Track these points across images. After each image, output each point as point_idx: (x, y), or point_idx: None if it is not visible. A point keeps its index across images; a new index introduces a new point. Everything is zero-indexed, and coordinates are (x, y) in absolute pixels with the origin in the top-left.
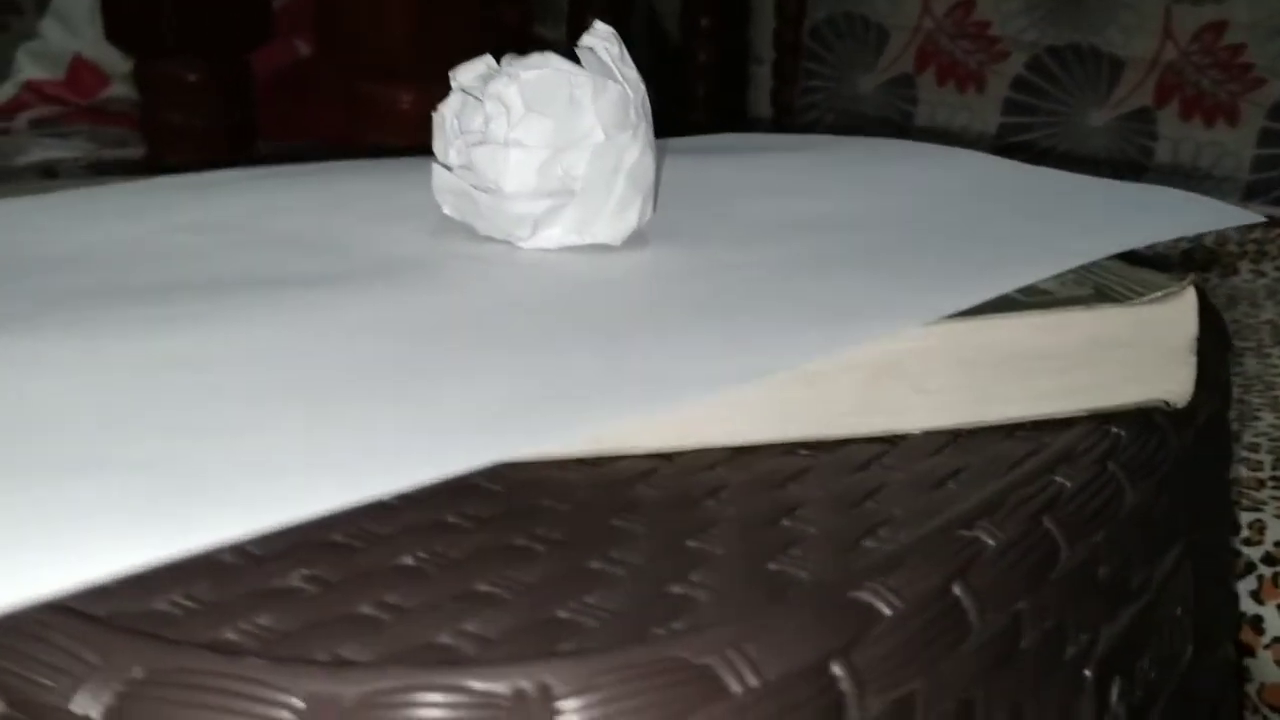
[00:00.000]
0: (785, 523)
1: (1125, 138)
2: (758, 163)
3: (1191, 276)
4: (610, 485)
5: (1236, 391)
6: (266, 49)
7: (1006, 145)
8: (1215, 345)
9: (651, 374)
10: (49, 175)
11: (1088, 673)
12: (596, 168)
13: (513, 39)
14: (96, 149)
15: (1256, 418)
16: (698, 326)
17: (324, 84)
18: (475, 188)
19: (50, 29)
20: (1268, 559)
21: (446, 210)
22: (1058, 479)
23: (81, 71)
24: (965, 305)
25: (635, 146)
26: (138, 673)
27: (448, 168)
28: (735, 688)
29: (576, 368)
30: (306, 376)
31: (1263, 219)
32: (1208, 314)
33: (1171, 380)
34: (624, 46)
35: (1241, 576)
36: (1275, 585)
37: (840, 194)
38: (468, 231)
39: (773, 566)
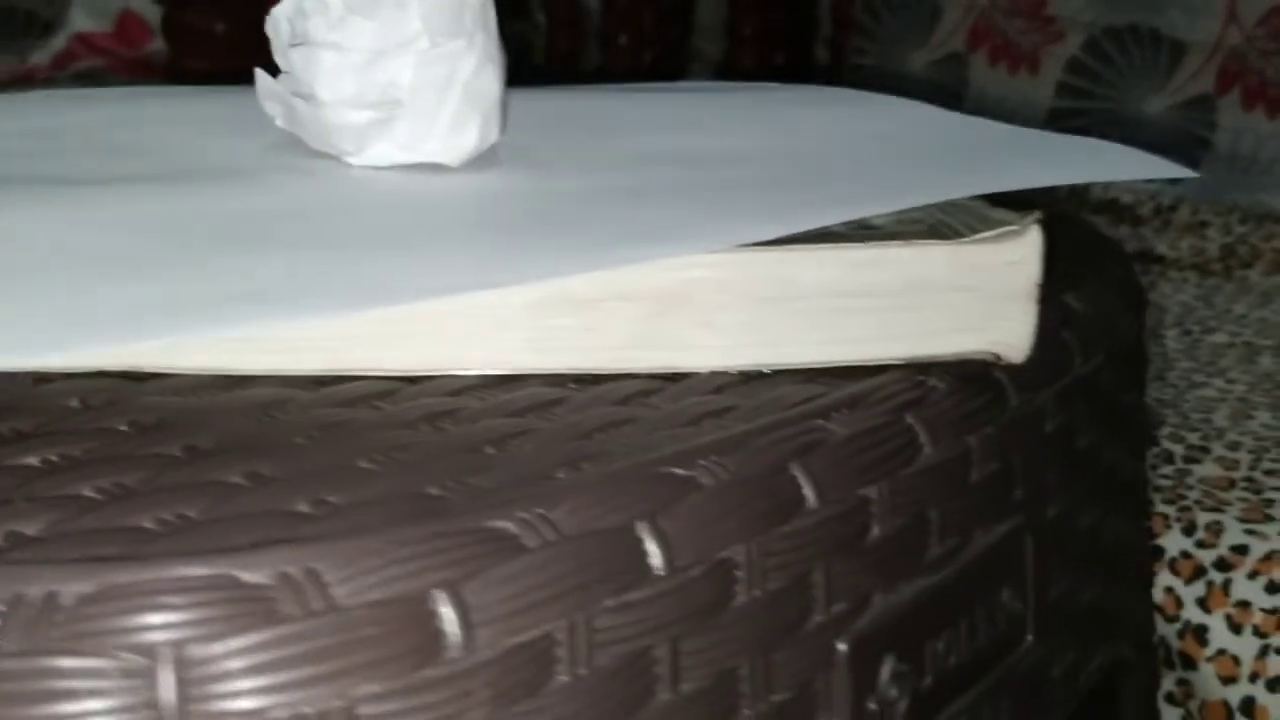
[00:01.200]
0: (488, 449)
1: (1183, 126)
2: (677, 100)
3: (1036, 214)
4: (324, 405)
5: (1240, 388)
6: None
7: (1058, 131)
8: (1118, 305)
9: (358, 279)
10: None
11: (841, 644)
12: (424, 78)
13: None
14: None
15: (1250, 415)
16: (459, 243)
17: None
18: (295, 95)
19: None
20: (1220, 564)
21: (278, 121)
22: (827, 424)
23: (129, 23)
24: (771, 236)
25: (470, 58)
26: None
27: (272, 75)
28: (293, 611)
29: (289, 270)
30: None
31: (1188, 172)
32: (1116, 271)
33: (1006, 331)
34: None
35: (1189, 581)
36: (1225, 593)
37: (737, 133)
38: (303, 147)
39: (432, 490)
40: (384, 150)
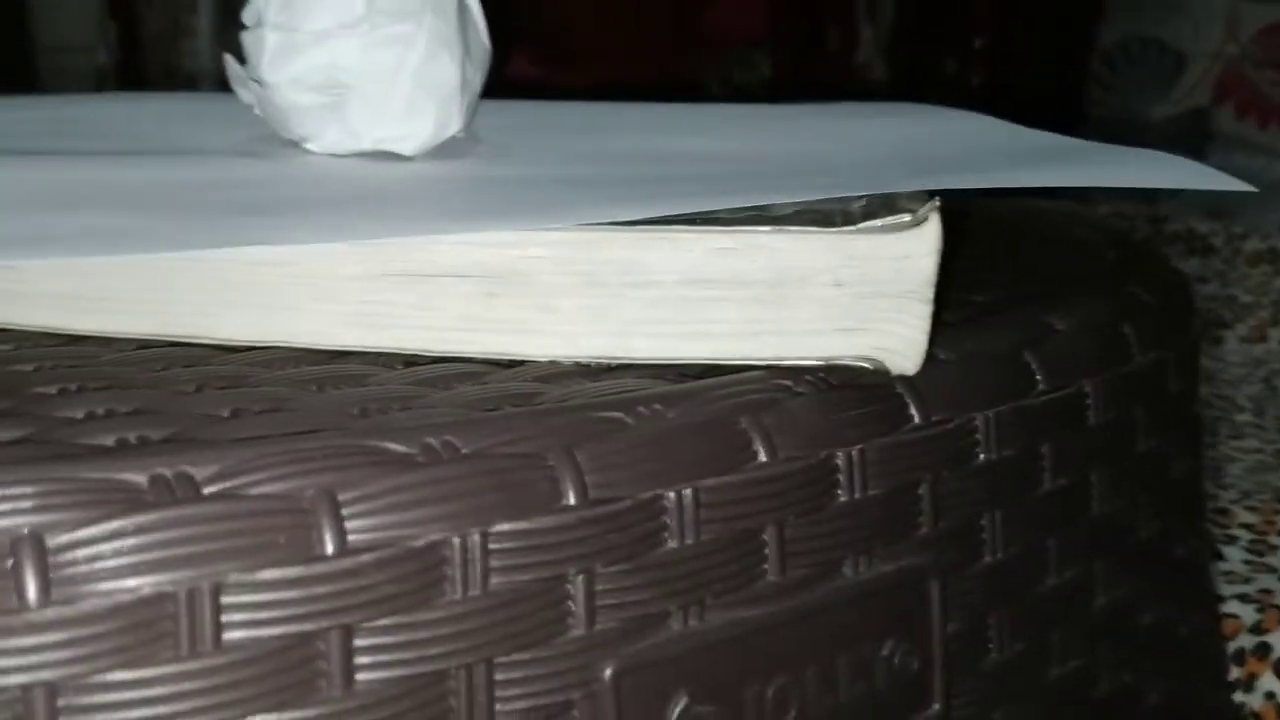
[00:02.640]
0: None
1: None
2: (719, 112)
3: (934, 203)
4: (111, 364)
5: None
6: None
7: None
8: (1173, 309)
9: (151, 232)
10: None
11: (607, 669)
12: (371, 61)
13: None
14: None
15: None
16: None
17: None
18: (252, 78)
19: None
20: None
21: (256, 110)
22: (624, 418)
23: None
24: (623, 216)
25: (420, 41)
26: None
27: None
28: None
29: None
30: None
31: (1244, 185)
32: (1167, 278)
33: (891, 336)
34: None
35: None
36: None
37: (737, 138)
38: (279, 138)
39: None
40: (336, 136)
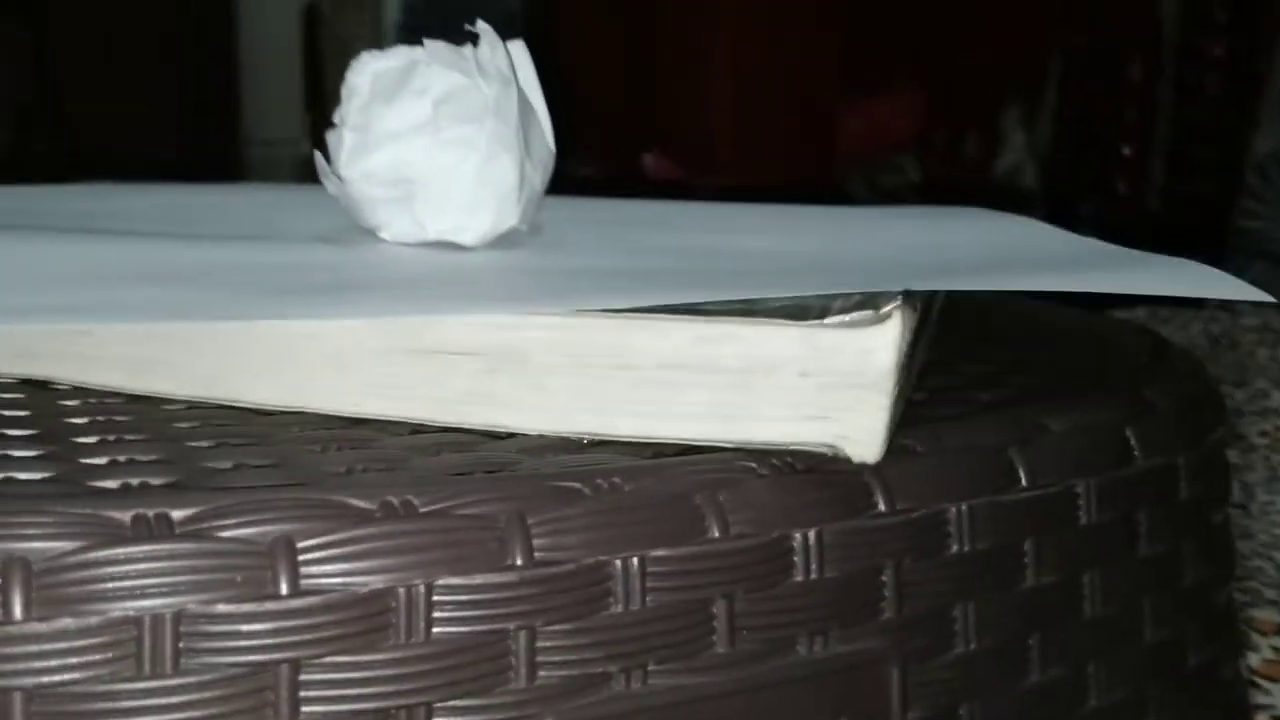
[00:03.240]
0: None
1: None
2: (779, 212)
3: (897, 301)
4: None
5: None
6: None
7: None
8: (1197, 413)
9: (187, 304)
10: None
11: None
12: (436, 160)
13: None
14: None
15: None
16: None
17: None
18: (333, 173)
19: None
20: None
21: (332, 194)
22: (582, 489)
23: None
24: (615, 304)
25: (481, 144)
26: None
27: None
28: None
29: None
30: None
31: (1266, 297)
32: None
33: (851, 425)
34: (504, 50)
35: None
36: None
37: (788, 237)
38: (359, 226)
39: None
40: (405, 227)
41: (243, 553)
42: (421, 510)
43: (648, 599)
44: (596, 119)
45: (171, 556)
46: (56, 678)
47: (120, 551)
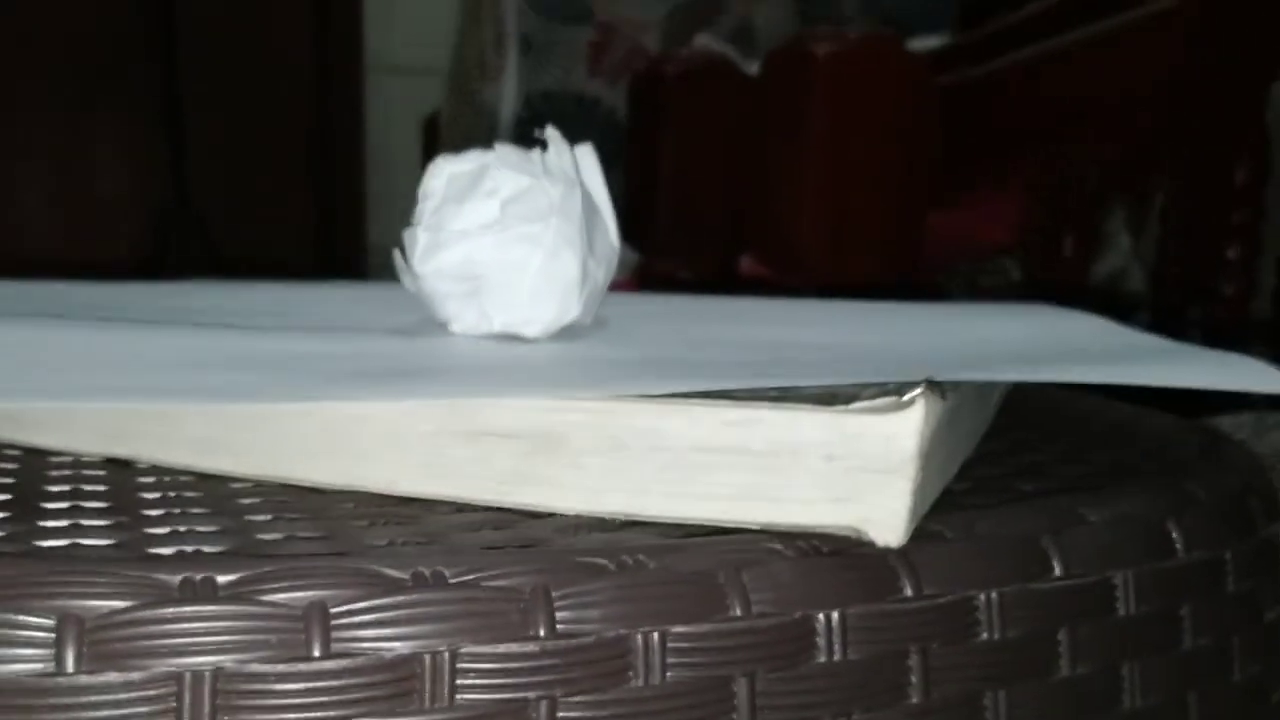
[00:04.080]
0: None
1: None
2: (845, 306)
3: (919, 389)
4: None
5: None
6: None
7: None
8: (1246, 507)
9: (246, 387)
10: None
11: None
12: (503, 257)
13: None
14: None
15: None
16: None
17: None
18: (406, 269)
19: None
20: None
21: (409, 289)
22: (608, 565)
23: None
24: (653, 390)
25: (545, 241)
26: None
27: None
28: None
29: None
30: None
31: None
32: (1252, 479)
33: (875, 507)
34: (569, 153)
35: None
36: None
37: (848, 331)
38: (434, 321)
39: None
40: (473, 319)
41: (280, 616)
42: (450, 580)
43: (668, 674)
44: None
45: (214, 618)
46: None
47: (167, 611)
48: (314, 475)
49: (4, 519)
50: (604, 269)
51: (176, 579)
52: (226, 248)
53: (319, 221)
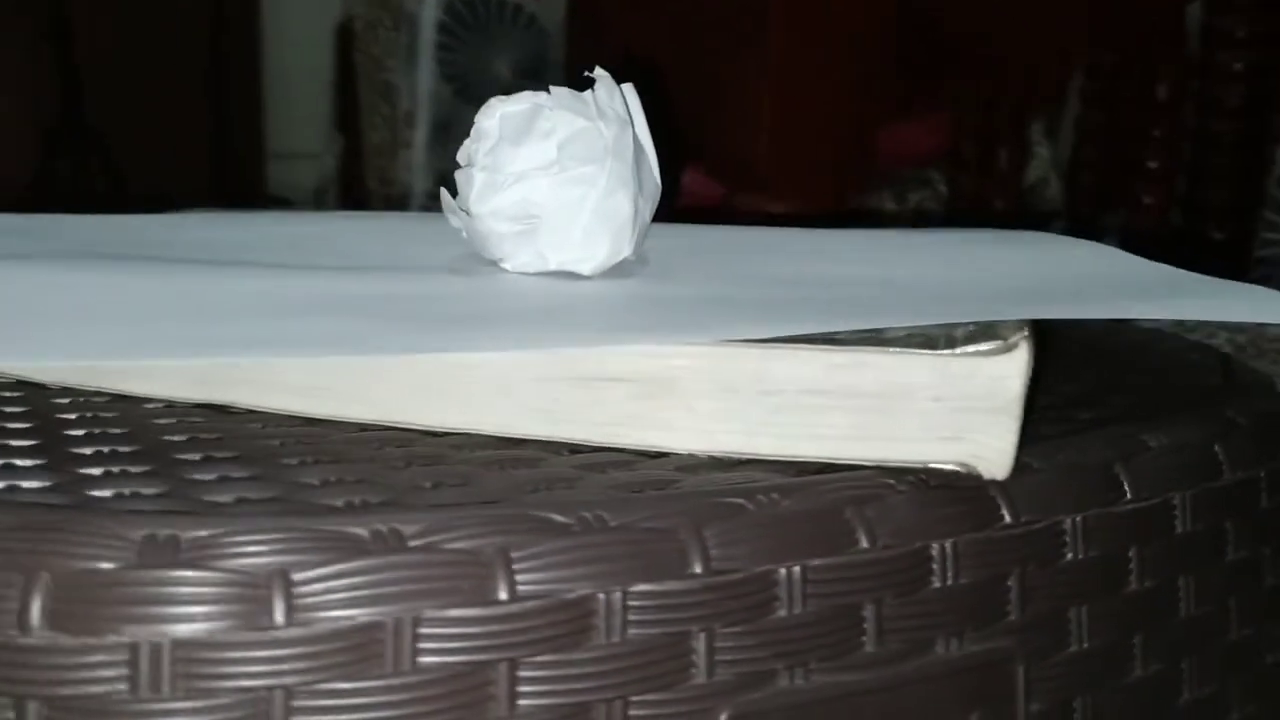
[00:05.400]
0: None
1: None
2: (855, 237)
3: (1023, 332)
4: (343, 443)
5: None
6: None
7: None
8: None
9: (356, 338)
10: None
11: (722, 716)
12: (559, 197)
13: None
14: None
15: None
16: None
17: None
18: (461, 209)
19: None
20: None
21: (463, 233)
22: (745, 504)
23: None
24: (755, 334)
25: (601, 181)
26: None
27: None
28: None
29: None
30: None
31: None
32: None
33: (983, 445)
34: (616, 90)
35: None
36: None
37: (884, 264)
38: (479, 257)
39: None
40: (527, 259)
41: (468, 563)
42: (612, 524)
43: (808, 604)
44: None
45: (408, 566)
46: (312, 677)
47: (365, 563)
48: (423, 419)
49: None
50: (649, 206)
51: (365, 532)
52: (123, 163)
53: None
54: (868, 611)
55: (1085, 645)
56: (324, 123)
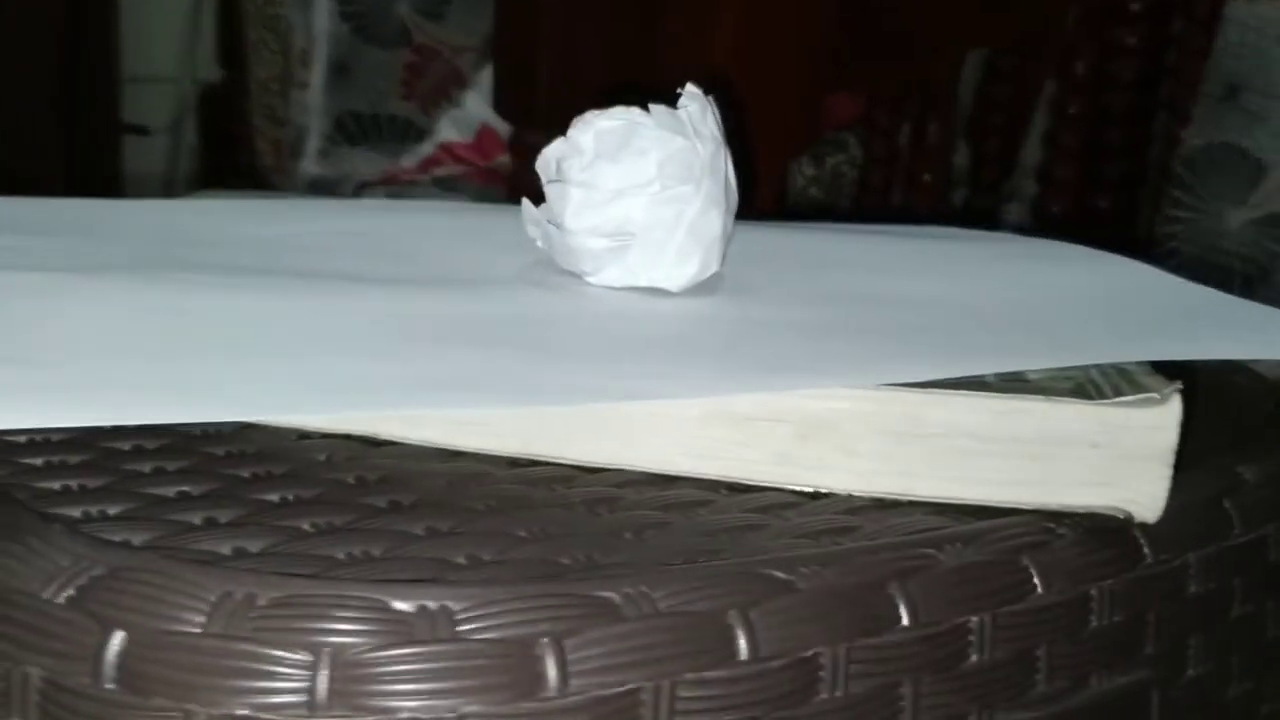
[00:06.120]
0: (626, 535)
1: None
2: (905, 245)
3: (1176, 385)
4: (509, 482)
5: None
6: None
7: None
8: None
9: (527, 377)
10: None
11: None
12: (655, 215)
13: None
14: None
15: None
16: (638, 355)
17: None
18: (549, 221)
19: (471, 100)
20: None
21: (538, 243)
22: (936, 553)
23: (486, 137)
24: (916, 378)
25: (696, 200)
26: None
27: (535, 204)
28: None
29: (472, 363)
30: (258, 330)
31: None
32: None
33: (1137, 491)
34: (708, 108)
35: None
36: None
37: (944, 280)
38: (554, 265)
39: (564, 560)
40: (616, 274)
41: (692, 626)
42: (831, 581)
43: (996, 650)
44: (575, 92)
45: (660, 630)
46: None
47: (619, 629)
48: (581, 455)
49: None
50: (732, 220)
51: (617, 596)
52: None
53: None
54: (1041, 653)
55: (1199, 670)
56: (185, 44)
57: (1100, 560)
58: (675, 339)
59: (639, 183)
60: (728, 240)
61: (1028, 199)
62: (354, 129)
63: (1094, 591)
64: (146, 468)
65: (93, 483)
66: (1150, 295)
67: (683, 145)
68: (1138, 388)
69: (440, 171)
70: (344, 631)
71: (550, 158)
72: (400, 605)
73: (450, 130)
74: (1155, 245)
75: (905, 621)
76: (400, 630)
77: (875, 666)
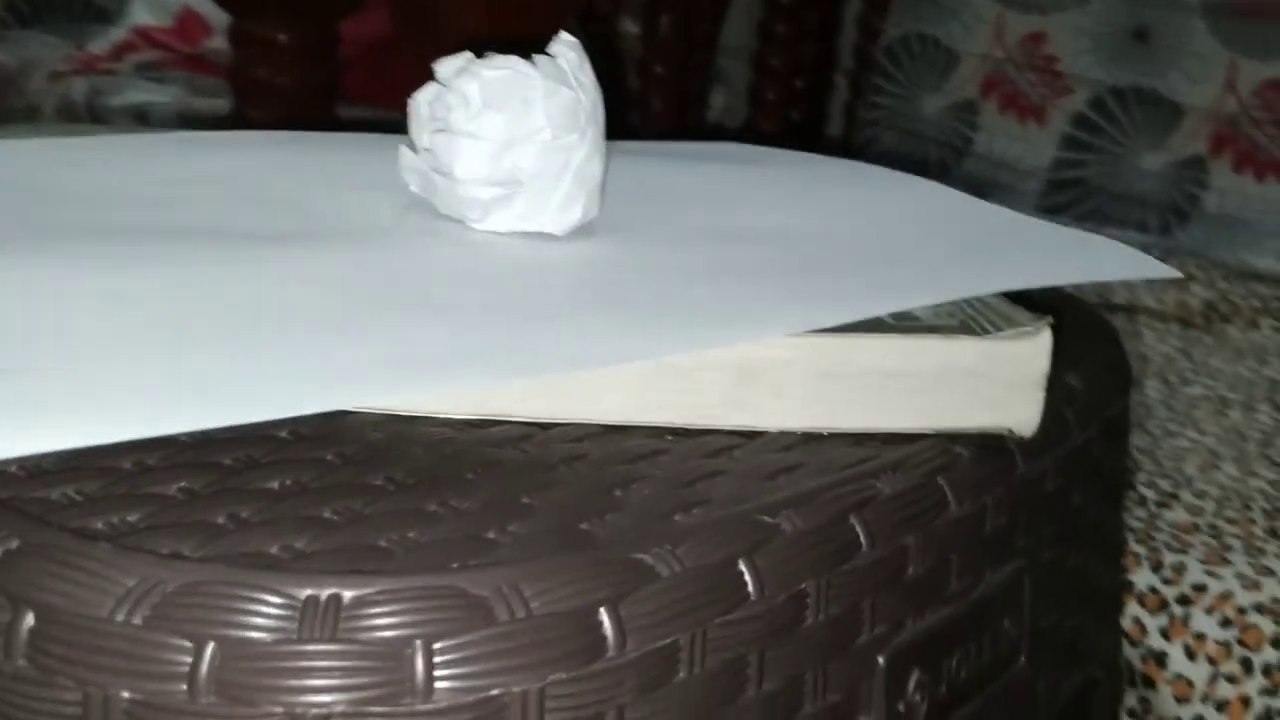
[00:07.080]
0: (616, 492)
1: (1176, 184)
2: (728, 173)
3: (1047, 319)
4: (481, 445)
5: (1210, 440)
6: (358, 19)
7: (1059, 180)
8: (1110, 383)
9: (517, 348)
10: (141, 120)
11: (880, 659)
12: (543, 164)
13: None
14: (189, 96)
15: (1217, 467)
16: (590, 314)
17: (408, 57)
18: (434, 170)
19: None
20: (1181, 599)
21: (413, 187)
22: (877, 484)
23: (189, 21)
24: (832, 323)
25: (582, 148)
26: (13, 544)
27: (414, 150)
28: (503, 616)
29: (453, 335)
30: (215, 312)
31: (1177, 274)
32: (1109, 353)
33: (1019, 411)
34: (584, 56)
35: (1154, 613)
36: (1184, 625)
37: (788, 210)
38: (430, 209)
39: (584, 526)
40: (502, 219)
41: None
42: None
43: (926, 562)
44: None
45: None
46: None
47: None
48: (528, 411)
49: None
50: (605, 165)
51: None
52: None
53: None
54: (953, 557)
55: (1050, 554)
56: None
57: (991, 473)
58: (597, 293)
59: (528, 132)
60: (604, 183)
61: (734, 85)
62: (24, 7)
63: (988, 501)
64: (127, 464)
65: (89, 488)
66: (969, 219)
67: (569, 95)
68: (1011, 322)
69: (137, 58)
70: (431, 621)
71: (422, 103)
72: (476, 589)
73: (144, 13)
74: (860, 131)
75: (866, 548)
76: (481, 612)
77: (847, 589)
